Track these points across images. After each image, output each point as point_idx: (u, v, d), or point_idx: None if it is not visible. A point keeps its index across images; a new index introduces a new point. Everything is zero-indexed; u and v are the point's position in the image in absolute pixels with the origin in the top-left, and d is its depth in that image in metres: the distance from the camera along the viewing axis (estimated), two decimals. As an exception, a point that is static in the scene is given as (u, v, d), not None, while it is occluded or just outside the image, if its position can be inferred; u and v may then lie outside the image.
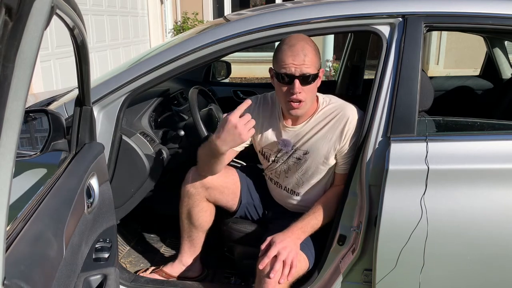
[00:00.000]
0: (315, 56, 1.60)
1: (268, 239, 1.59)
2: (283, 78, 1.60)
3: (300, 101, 1.62)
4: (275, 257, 1.54)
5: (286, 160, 1.81)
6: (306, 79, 1.59)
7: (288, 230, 1.62)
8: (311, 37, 1.67)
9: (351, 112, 1.70)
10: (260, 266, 1.54)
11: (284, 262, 1.53)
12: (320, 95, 1.76)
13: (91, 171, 1.28)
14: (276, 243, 1.55)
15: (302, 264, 1.66)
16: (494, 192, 1.49)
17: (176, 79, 2.83)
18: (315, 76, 1.61)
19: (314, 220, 1.67)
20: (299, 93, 1.60)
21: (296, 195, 1.87)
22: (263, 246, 1.58)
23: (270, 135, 1.81)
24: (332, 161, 1.75)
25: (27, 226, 0.86)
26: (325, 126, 1.72)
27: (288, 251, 1.54)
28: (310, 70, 1.58)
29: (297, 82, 1.58)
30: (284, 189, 1.90)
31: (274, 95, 1.82)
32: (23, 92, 0.51)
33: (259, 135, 1.83)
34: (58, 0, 0.72)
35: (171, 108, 2.47)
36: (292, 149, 1.78)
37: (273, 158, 1.84)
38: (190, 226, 1.97)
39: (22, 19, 0.48)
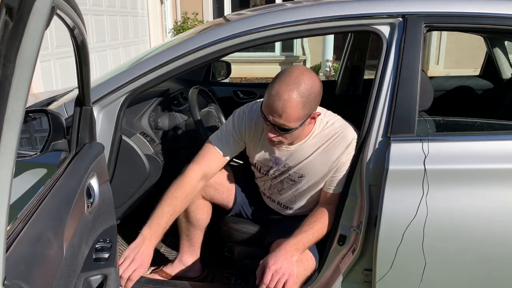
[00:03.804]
0: (298, 111, 1.49)
1: (261, 263, 1.54)
2: (263, 117, 1.58)
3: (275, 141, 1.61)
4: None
5: (281, 181, 1.81)
6: (282, 130, 1.55)
7: (281, 248, 1.55)
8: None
9: (351, 138, 1.65)
10: None
11: (277, 283, 1.48)
12: (321, 114, 1.69)
13: (91, 171, 1.28)
14: (269, 265, 1.49)
15: (310, 263, 1.66)
16: (494, 192, 1.49)
17: (176, 79, 2.83)
18: (295, 129, 1.54)
19: (305, 239, 1.61)
20: (273, 137, 1.58)
21: (289, 209, 1.89)
22: (258, 272, 1.53)
23: (264, 150, 1.78)
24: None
25: (27, 226, 0.86)
26: (322, 149, 1.67)
27: (282, 272, 1.48)
28: (286, 125, 1.52)
29: (272, 129, 1.57)
30: (277, 203, 1.91)
31: None
32: (24, 92, 0.51)
33: (255, 148, 1.80)
34: (59, 0, 0.72)
35: (171, 108, 2.47)
36: (284, 167, 1.76)
37: (264, 172, 1.84)
38: (188, 224, 1.97)
39: (22, 19, 0.48)
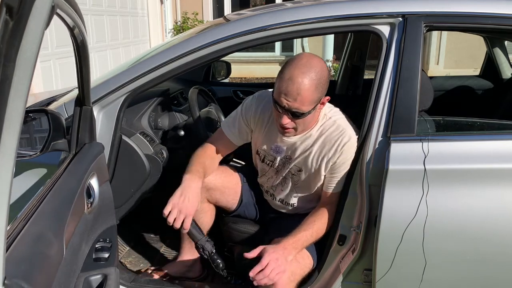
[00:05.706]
0: (312, 93, 1.52)
1: (258, 247, 1.54)
2: (275, 106, 1.58)
3: (288, 128, 1.62)
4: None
5: (284, 178, 1.81)
6: (296, 115, 1.56)
7: (280, 244, 1.56)
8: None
9: (347, 139, 1.64)
10: (251, 274, 1.49)
11: (268, 275, 1.48)
12: (325, 108, 1.70)
13: (91, 171, 1.28)
14: (270, 252, 1.50)
15: (306, 261, 1.66)
16: (494, 191, 1.49)
17: (176, 79, 2.83)
18: (308, 113, 1.56)
19: (304, 237, 1.62)
20: (287, 123, 1.59)
21: (290, 206, 1.89)
22: (255, 252, 1.53)
23: (268, 138, 1.80)
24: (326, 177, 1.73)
25: (27, 226, 0.86)
26: (321, 144, 1.68)
27: (278, 264, 1.49)
28: (301, 108, 1.53)
29: (285, 116, 1.57)
30: (278, 201, 1.91)
31: None
32: (24, 91, 0.52)
33: (259, 134, 1.82)
34: (59, -1, 0.72)
35: (171, 108, 2.47)
36: (286, 157, 1.77)
37: (268, 162, 1.84)
38: None
39: (22, 19, 0.49)
